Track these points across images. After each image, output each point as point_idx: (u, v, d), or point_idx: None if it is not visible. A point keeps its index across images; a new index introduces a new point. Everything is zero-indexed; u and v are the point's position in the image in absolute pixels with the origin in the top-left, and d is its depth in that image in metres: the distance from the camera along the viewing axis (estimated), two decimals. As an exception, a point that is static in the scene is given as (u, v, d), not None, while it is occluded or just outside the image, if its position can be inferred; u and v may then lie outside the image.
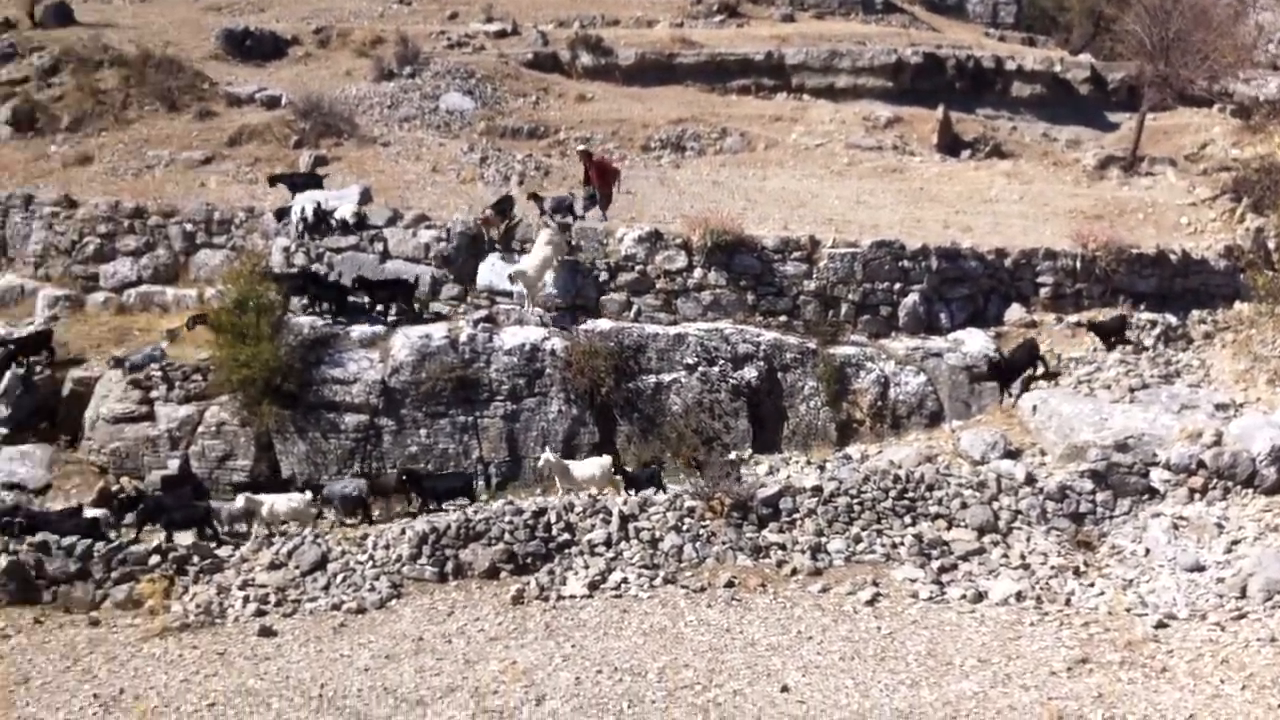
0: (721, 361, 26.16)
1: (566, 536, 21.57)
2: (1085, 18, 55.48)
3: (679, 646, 18.45)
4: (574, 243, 27.53)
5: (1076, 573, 20.71)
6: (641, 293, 27.17)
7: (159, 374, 26.73)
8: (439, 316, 27.13)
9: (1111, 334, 26.78)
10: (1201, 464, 22.19)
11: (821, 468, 24.12)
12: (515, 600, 20.17)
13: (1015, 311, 27.96)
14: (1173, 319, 27.86)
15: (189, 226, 30.98)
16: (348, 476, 24.87)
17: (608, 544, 21.40)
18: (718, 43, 45.37)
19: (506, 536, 21.41)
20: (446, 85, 40.79)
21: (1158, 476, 22.33)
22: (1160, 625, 18.85)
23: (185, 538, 22.65)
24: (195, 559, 21.51)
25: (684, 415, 25.68)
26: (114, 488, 25.51)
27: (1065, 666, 17.66)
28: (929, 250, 27.84)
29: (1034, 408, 24.82)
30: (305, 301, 26.91)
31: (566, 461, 24.01)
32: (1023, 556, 21.10)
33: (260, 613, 20.14)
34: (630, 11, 49.28)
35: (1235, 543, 20.79)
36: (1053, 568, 20.78)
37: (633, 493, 22.72)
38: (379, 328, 26.51)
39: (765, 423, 26.09)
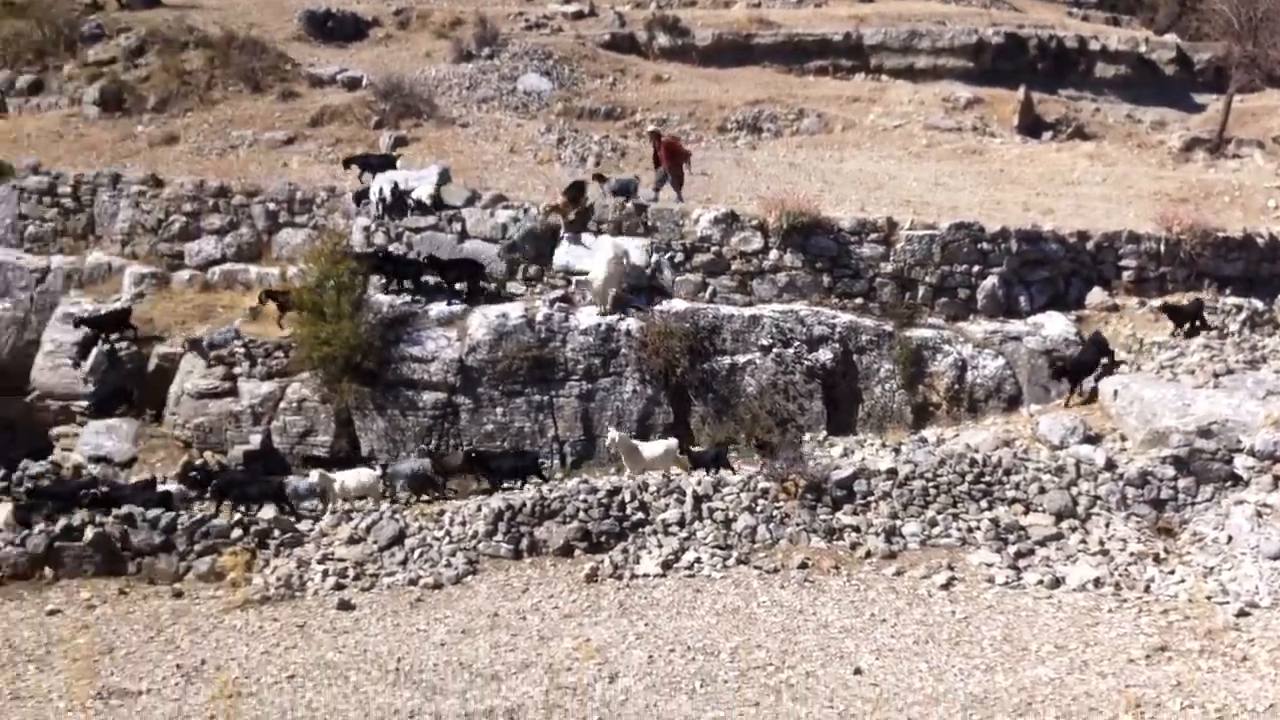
0: (797, 343, 26.09)
1: (640, 516, 21.67)
2: (1172, -4, 54.59)
3: (752, 627, 18.48)
4: (650, 223, 27.56)
5: (1156, 559, 20.45)
6: (717, 274, 27.15)
7: (242, 350, 27.19)
8: (504, 296, 27.19)
9: (1188, 319, 26.30)
10: (1287, 451, 21.81)
11: (897, 451, 24.00)
12: (589, 578, 20.32)
13: (1097, 295, 27.60)
14: (1259, 304, 27.33)
15: (271, 206, 31.38)
16: (413, 455, 25.12)
17: (681, 524, 21.48)
18: (795, 23, 45.15)
19: (581, 515, 21.56)
20: (524, 66, 40.98)
21: (1241, 463, 21.94)
22: (1241, 614, 18.57)
23: (267, 512, 23.03)
24: (276, 533, 21.87)
25: (758, 397, 25.67)
26: (197, 462, 26.03)
27: (1144, 654, 17.45)
28: (1009, 232, 27.54)
29: (1115, 393, 24.48)
30: (384, 281, 27.19)
31: (634, 441, 24.12)
32: (1101, 542, 20.87)
33: (339, 586, 20.45)
34: (708, -9, 49.20)
35: (1320, 532, 20.42)
36: (1132, 554, 20.54)
37: (704, 473, 22.76)
38: (457, 307, 26.73)
39: (840, 405, 26.01)
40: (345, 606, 19.71)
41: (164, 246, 31.65)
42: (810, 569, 20.38)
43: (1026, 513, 21.57)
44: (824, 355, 26.06)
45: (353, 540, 21.59)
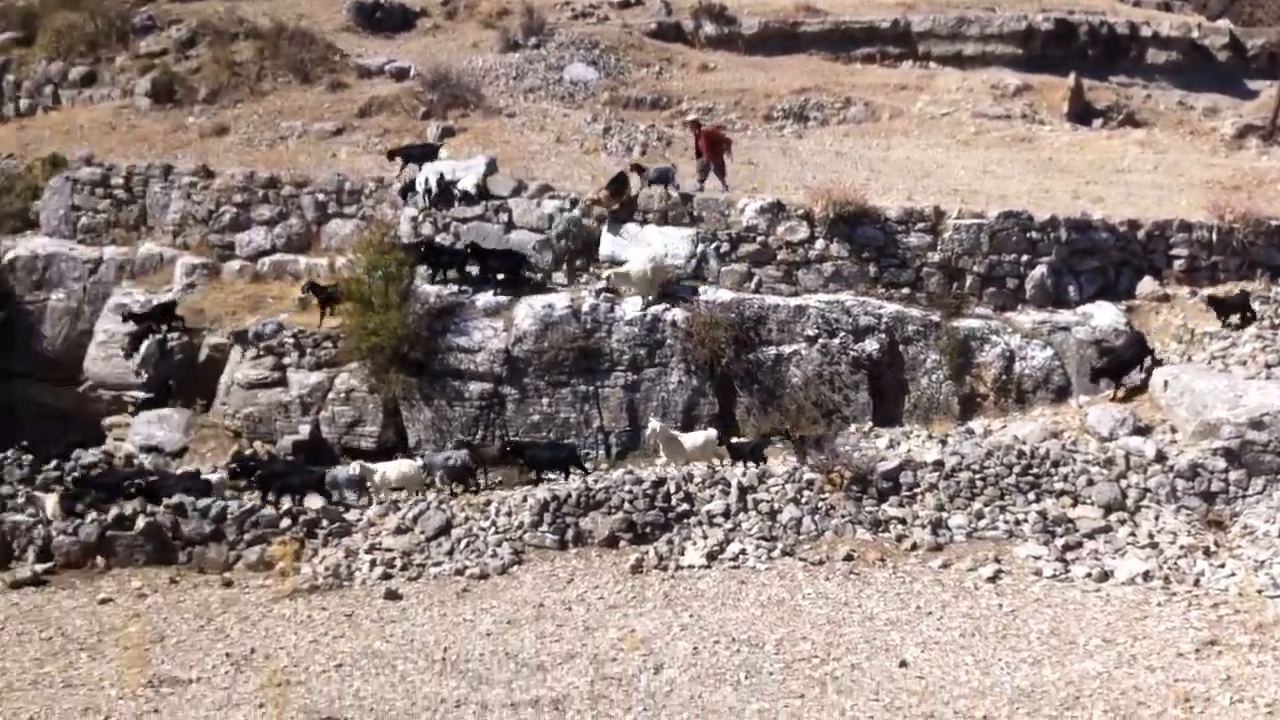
0: (842, 334, 26.00)
1: (685, 507, 21.72)
2: (1225, -19, 53.74)
3: (797, 619, 18.49)
4: (695, 213, 27.54)
5: (1206, 553, 20.26)
6: (763, 264, 27.08)
7: (291, 341, 27.42)
8: (549, 286, 27.25)
9: (1233, 310, 25.87)
10: (1341, 444, 21.55)
11: (943, 442, 23.86)
12: (634, 569, 20.39)
13: (1147, 284, 27.31)
14: (1314, 294, 26.95)
15: (320, 196, 31.55)
16: (450, 446, 25.25)
17: (726, 515, 21.50)
18: (842, 10, 44.85)
19: (626, 506, 21.63)
20: (571, 56, 40.97)
21: (1293, 455, 21.72)
22: (1293, 608, 18.39)
23: (315, 501, 23.24)
24: (324, 523, 22.09)
25: (804, 387, 25.61)
26: (246, 452, 26.31)
27: (1193, 648, 17.31)
28: (1058, 221, 27.29)
29: (1165, 384, 24.23)
30: (429, 271, 27.34)
31: (673, 432, 24.14)
32: (1151, 535, 20.71)
33: (386, 576, 20.64)
34: (754, -21, 48.94)
35: (1375, 525, 20.18)
36: (1182, 547, 20.36)
37: (752, 465, 22.76)
38: (503, 297, 26.84)
39: (886, 396, 25.89)
40: (392, 596, 19.89)
41: (215, 237, 31.89)
42: (856, 561, 20.36)
43: (1075, 505, 21.43)
44: (870, 346, 25.96)
45: (400, 530, 21.76)
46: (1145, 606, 18.69)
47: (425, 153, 30.69)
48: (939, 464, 22.03)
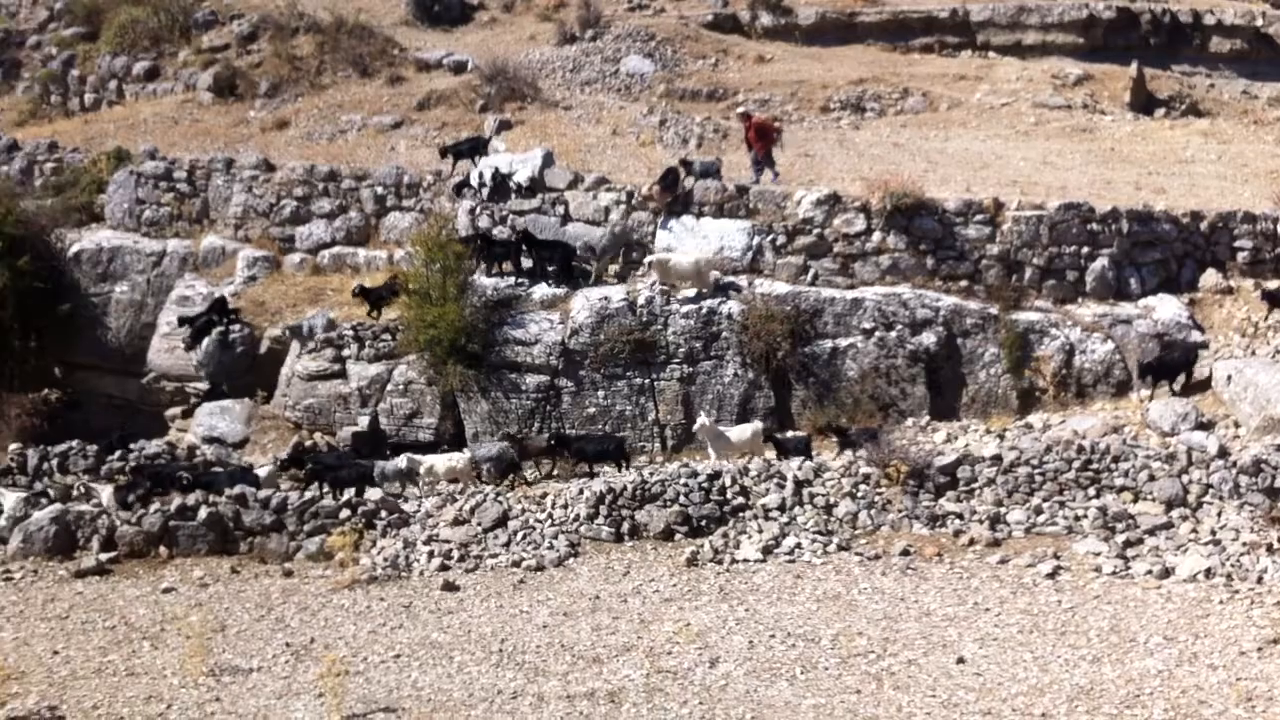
0: (899, 326, 25.88)
1: (741, 500, 21.71)
2: (1292, -33, 52.77)
3: (853, 614, 18.43)
4: (751, 206, 27.50)
5: (1270, 550, 19.94)
6: (819, 256, 27.00)
7: (350, 333, 27.67)
8: (605, 278, 27.27)
9: None
10: None
11: (1001, 436, 23.72)
12: (689, 562, 20.40)
13: (1210, 277, 26.96)
14: (1380, 286, 26.49)
15: (379, 190, 31.80)
16: (494, 440, 25.37)
17: (782, 509, 21.47)
18: (901, 0, 44.52)
19: (681, 499, 21.66)
20: (627, 48, 40.98)
21: (1360, 451, 21.36)
22: (1358, 607, 18.10)
23: (374, 493, 23.45)
24: (383, 514, 22.27)
25: (860, 381, 25.53)
26: (307, 443, 26.60)
27: (1255, 646, 17.06)
28: (1119, 213, 27.00)
29: (1228, 378, 23.93)
30: (484, 264, 27.49)
31: (720, 427, 24.14)
32: (1213, 532, 20.43)
33: (444, 567, 20.78)
34: (812, -31, 48.69)
35: None
36: (1245, 544, 20.07)
37: (803, 458, 22.72)
38: (560, 289, 26.95)
39: (943, 389, 25.76)
40: (450, 587, 20.02)
41: (275, 230, 32.22)
42: (912, 556, 20.26)
43: (1135, 501, 21.21)
44: (927, 339, 25.82)
45: (457, 522, 21.91)
46: (1207, 604, 18.44)
47: (475, 147, 30.91)
48: (997, 458, 21.86)
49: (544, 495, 22.58)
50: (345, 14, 41.55)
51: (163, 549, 21.76)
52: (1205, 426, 23.09)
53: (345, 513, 22.09)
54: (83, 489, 23.91)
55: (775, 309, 25.92)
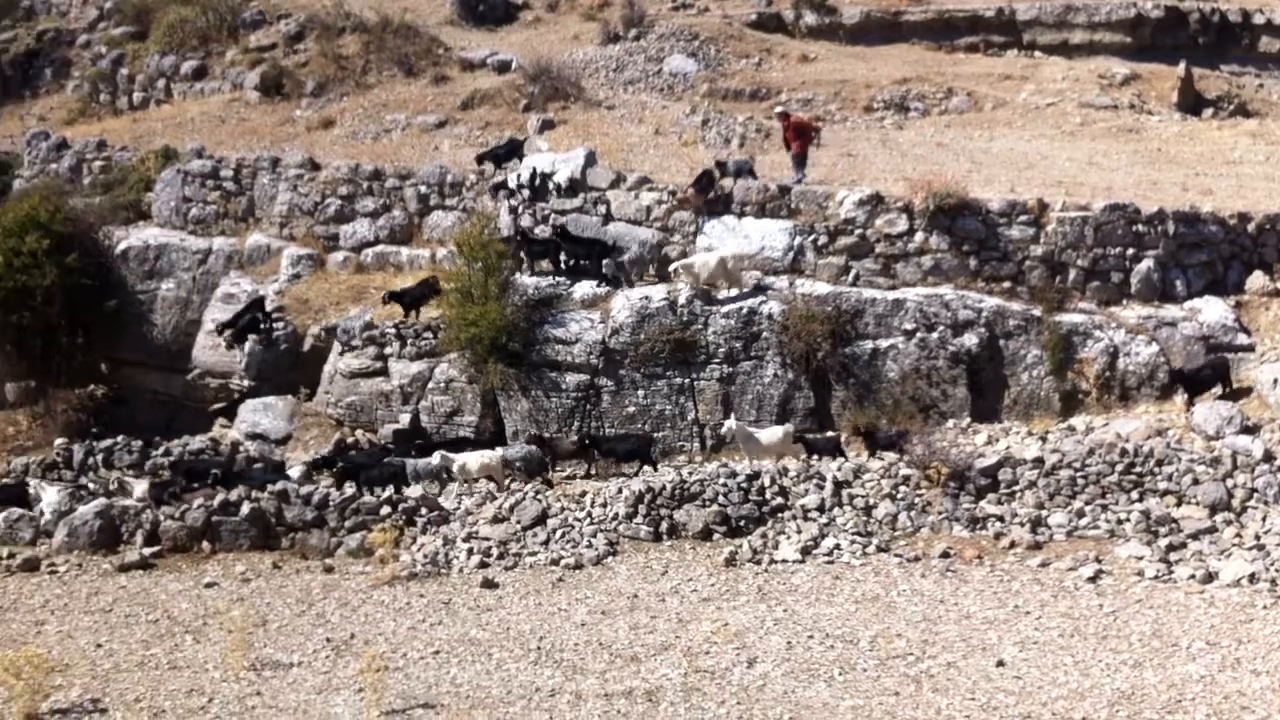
0: (941, 327, 25.74)
1: (779, 501, 21.70)
2: (1345, -35, 52.08)
3: (891, 615, 18.38)
4: (793, 205, 27.44)
5: (1315, 556, 19.76)
6: (860, 256, 26.90)
7: (392, 331, 27.82)
8: (605, 279, 27.32)
9: None
10: None
11: (1043, 439, 23.56)
12: (728, 562, 20.42)
13: (1258, 279, 26.63)
14: None
15: (423, 189, 31.86)
16: (522, 441, 25.43)
17: (821, 509, 21.45)
18: (946, -1, 44.35)
19: (720, 499, 21.67)
20: (670, 48, 41.00)
21: None
22: (1405, 614, 17.87)
23: (415, 490, 23.59)
24: (423, 511, 22.40)
25: (901, 382, 25.42)
26: (349, 440, 26.78)
27: (1299, 653, 16.92)
28: (1165, 214, 26.71)
29: (1275, 381, 23.66)
30: (526, 263, 27.60)
31: (750, 429, 24.11)
32: (1257, 537, 20.22)
33: (483, 565, 20.90)
34: (857, -31, 48.53)
35: None
36: (1289, 549, 19.87)
37: (840, 461, 22.65)
38: (601, 289, 27.00)
39: (985, 391, 25.57)
40: (489, 584, 20.13)
41: (320, 228, 32.32)
42: (952, 558, 20.20)
43: (1179, 505, 21.03)
44: (969, 340, 25.66)
45: (497, 520, 22.02)
46: (1250, 609, 18.27)
47: (511, 150, 30.99)
48: (1039, 461, 21.74)
49: (583, 494, 22.65)
50: (391, 13, 41.79)
51: (205, 544, 22.01)
52: (1250, 430, 22.83)
53: (386, 509, 22.24)
54: (116, 483, 24.19)
55: (816, 309, 25.83)
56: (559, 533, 21.60)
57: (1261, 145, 34.16)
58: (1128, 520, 20.75)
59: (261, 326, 29.15)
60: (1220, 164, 32.18)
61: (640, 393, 26.11)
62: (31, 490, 24.01)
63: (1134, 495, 21.26)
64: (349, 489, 23.16)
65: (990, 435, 24.29)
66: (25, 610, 19.65)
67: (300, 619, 19.08)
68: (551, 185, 28.87)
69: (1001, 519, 21.03)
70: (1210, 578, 19.25)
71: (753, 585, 19.66)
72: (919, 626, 17.98)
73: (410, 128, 36.37)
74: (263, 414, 28.00)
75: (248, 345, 29.00)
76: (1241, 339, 25.44)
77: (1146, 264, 26.47)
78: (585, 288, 27.12)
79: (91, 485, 24.09)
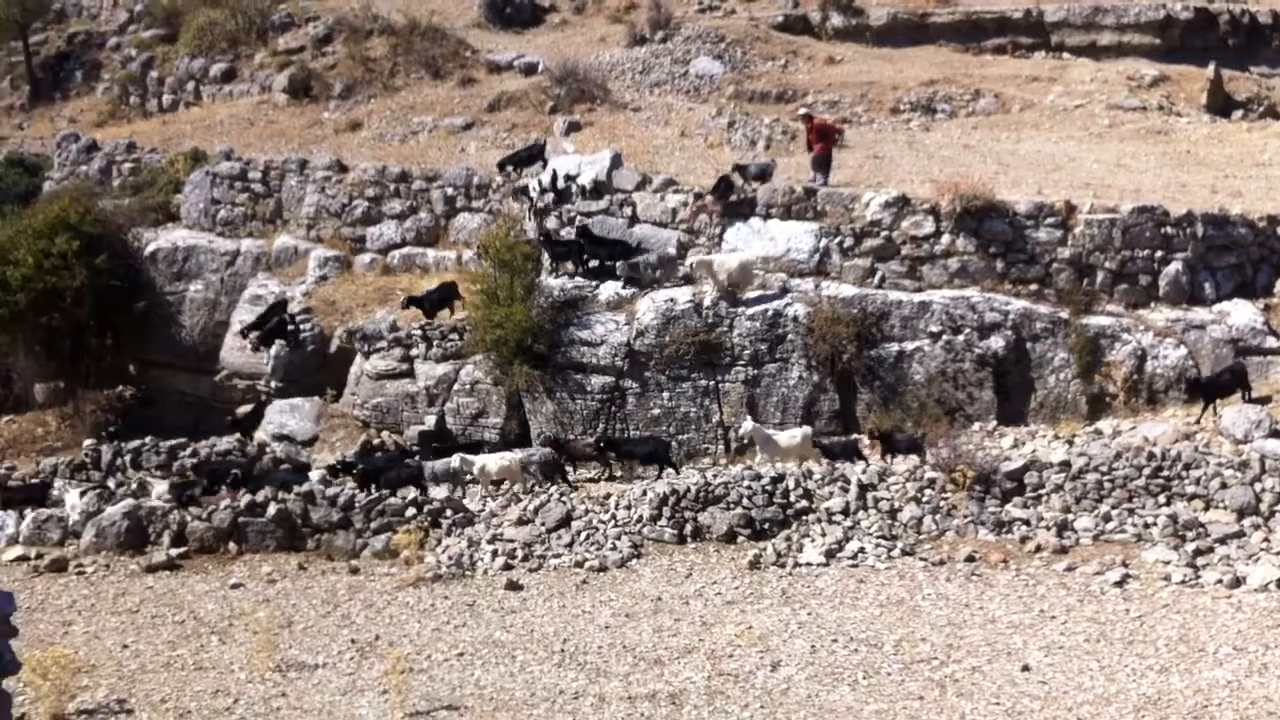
0: (967, 330, 25.65)
1: (804, 504, 21.64)
2: (1378, -35, 51.64)
3: (916, 619, 18.31)
4: (819, 208, 27.39)
5: (1345, 561, 19.59)
6: (886, 259, 26.83)
7: (419, 333, 27.91)
8: (626, 280, 27.34)
9: None
10: None
11: (1070, 442, 23.42)
12: (752, 565, 20.38)
13: (1287, 282, 26.50)
14: None
15: (449, 191, 32.00)
16: (540, 442, 25.46)
17: (845, 512, 21.39)
18: (973, 0, 44.15)
19: (744, 501, 21.63)
20: (696, 50, 41.01)
21: None
22: None
23: (440, 492, 23.65)
24: (448, 513, 22.44)
25: (926, 385, 25.35)
26: (375, 441, 26.87)
27: (1328, 659, 16.78)
28: (1194, 216, 26.55)
29: (1306, 384, 23.53)
30: (552, 265, 27.66)
31: (768, 431, 24.08)
32: (1286, 541, 20.09)
33: (508, 567, 20.91)
34: (884, -30, 48.40)
35: None
36: (1319, 554, 19.72)
37: (866, 466, 22.61)
38: (626, 290, 27.03)
39: (1011, 394, 25.48)
40: (513, 586, 20.14)
41: (347, 230, 32.52)
42: (978, 562, 20.10)
43: (1206, 509, 20.86)
44: (995, 343, 25.57)
45: (521, 522, 22.04)
46: (1278, 614, 18.11)
47: (531, 154, 31.07)
48: (1065, 465, 21.61)
49: (607, 496, 22.66)
50: (418, 16, 42.00)
51: (232, 545, 22.11)
52: (1279, 434, 22.66)
53: (411, 511, 22.30)
54: (137, 484, 24.35)
55: (841, 311, 25.79)
56: (583, 535, 21.62)
57: (1292, 147, 33.93)
58: (1155, 524, 20.61)
59: (289, 329, 29.29)
60: (1250, 166, 31.97)
61: (665, 395, 26.12)
62: (56, 492, 24.23)
63: (1161, 499, 21.11)
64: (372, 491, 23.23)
65: (1016, 438, 24.20)
66: (53, 611, 19.77)
67: (325, 620, 19.14)
68: (575, 188, 28.92)
69: (1027, 523, 20.92)
70: (1238, 582, 19.10)
71: (777, 588, 19.62)
72: (944, 631, 17.90)
73: (437, 130, 36.51)
74: (289, 415, 28.15)
75: (274, 349, 29.12)
76: (1270, 342, 25.27)
77: (1175, 266, 26.32)
78: (610, 290, 27.16)
79: (112, 485, 24.23)
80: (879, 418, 25.03)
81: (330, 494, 22.49)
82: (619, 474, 24.67)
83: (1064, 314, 25.77)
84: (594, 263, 27.61)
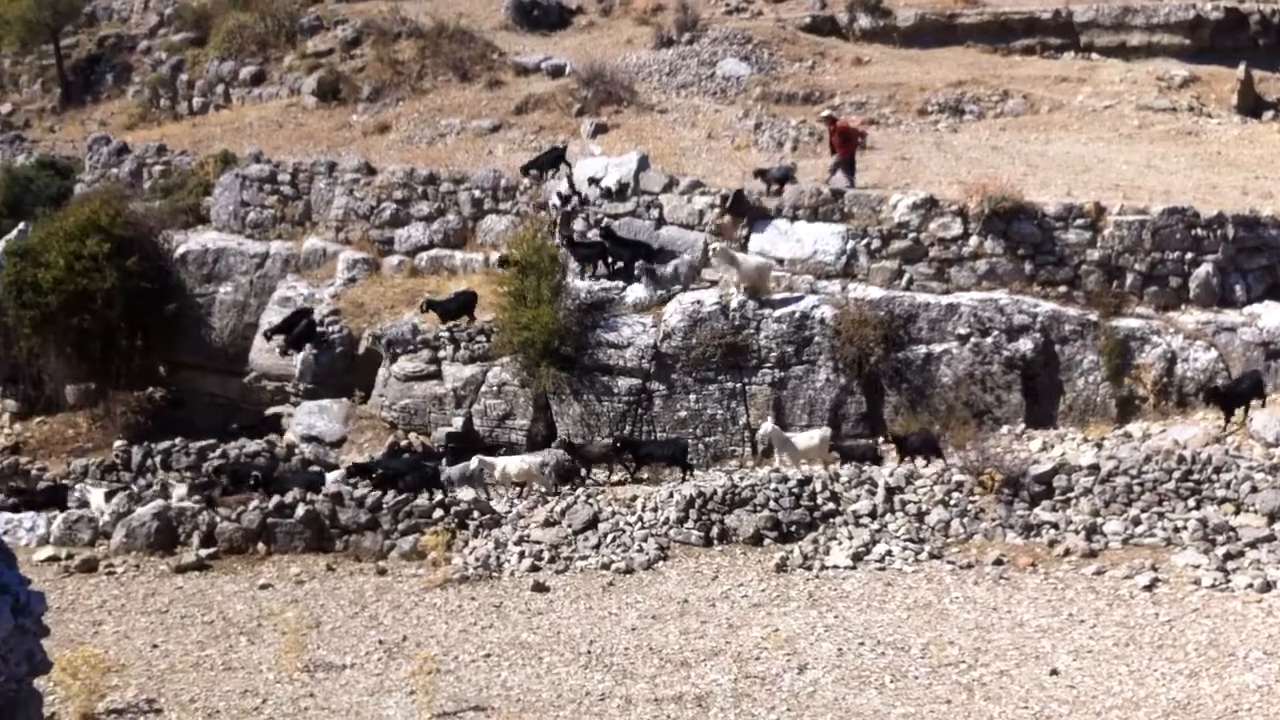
0: (995, 332, 25.56)
1: (831, 506, 21.61)
2: None
3: (944, 623, 18.26)
4: (846, 209, 27.35)
5: (1377, 566, 19.43)
6: (914, 261, 26.74)
7: (447, 335, 27.99)
8: (645, 279, 27.29)
9: None
10: None
11: (1099, 445, 23.31)
12: (778, 568, 20.36)
13: (1319, 285, 26.29)
14: None
15: (477, 193, 32.00)
16: (553, 446, 25.47)
17: (873, 515, 21.34)
18: (1002, 1, 43.95)
19: (771, 504, 21.61)
20: (723, 51, 40.96)
21: None
22: None
23: (466, 493, 23.71)
24: (475, 514, 22.51)
25: (954, 387, 25.26)
26: (403, 443, 26.97)
27: (1359, 664, 16.64)
28: (1225, 218, 26.37)
29: (1337, 388, 23.34)
30: (578, 267, 27.70)
31: (786, 434, 24.03)
32: (1317, 546, 19.93)
33: (534, 568, 20.95)
34: (912, -29, 48.24)
35: None
36: (1350, 559, 19.56)
37: (893, 468, 22.55)
38: (654, 293, 27.02)
39: (1040, 397, 25.35)
40: (540, 588, 20.19)
41: (375, 233, 32.54)
42: (1006, 565, 20.01)
43: (1237, 513, 20.73)
44: (1024, 345, 25.46)
45: (548, 523, 22.08)
46: (1310, 619, 18.02)
47: (554, 157, 31.10)
48: (1094, 468, 21.51)
49: (634, 498, 22.67)
50: (446, 19, 42.09)
51: (261, 546, 22.22)
52: (1312, 437, 22.52)
53: (438, 513, 22.37)
54: (160, 485, 24.51)
55: (869, 314, 25.72)
56: (610, 537, 21.63)
57: (1323, 148, 33.67)
58: (1184, 528, 20.49)
59: (316, 331, 29.42)
60: (1281, 167, 31.74)
61: (692, 397, 26.12)
62: (77, 492, 24.40)
63: (1191, 503, 20.98)
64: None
65: (1045, 441, 24.09)
66: (83, 610, 19.93)
67: (353, 621, 19.23)
68: (599, 190, 28.95)
69: (1056, 526, 20.83)
70: (1268, 586, 18.96)
71: (803, 591, 19.60)
72: (971, 634, 17.85)
73: (465, 132, 36.61)
74: (318, 417, 28.25)
75: (302, 353, 29.25)
76: (1301, 345, 25.08)
77: (1205, 268, 26.14)
78: (637, 292, 27.17)
79: (135, 487, 24.40)
80: (907, 421, 24.95)
81: (358, 495, 22.58)
82: (644, 476, 24.65)
83: (1093, 316, 25.65)
84: (618, 264, 27.65)
